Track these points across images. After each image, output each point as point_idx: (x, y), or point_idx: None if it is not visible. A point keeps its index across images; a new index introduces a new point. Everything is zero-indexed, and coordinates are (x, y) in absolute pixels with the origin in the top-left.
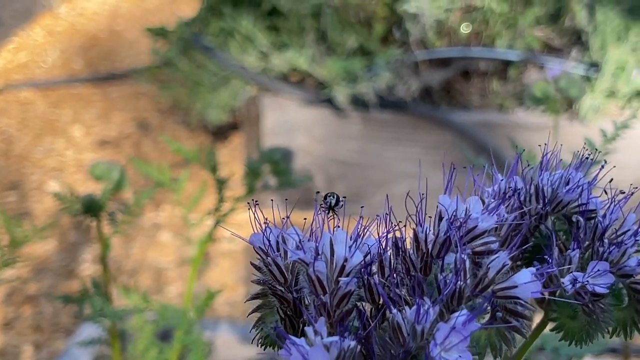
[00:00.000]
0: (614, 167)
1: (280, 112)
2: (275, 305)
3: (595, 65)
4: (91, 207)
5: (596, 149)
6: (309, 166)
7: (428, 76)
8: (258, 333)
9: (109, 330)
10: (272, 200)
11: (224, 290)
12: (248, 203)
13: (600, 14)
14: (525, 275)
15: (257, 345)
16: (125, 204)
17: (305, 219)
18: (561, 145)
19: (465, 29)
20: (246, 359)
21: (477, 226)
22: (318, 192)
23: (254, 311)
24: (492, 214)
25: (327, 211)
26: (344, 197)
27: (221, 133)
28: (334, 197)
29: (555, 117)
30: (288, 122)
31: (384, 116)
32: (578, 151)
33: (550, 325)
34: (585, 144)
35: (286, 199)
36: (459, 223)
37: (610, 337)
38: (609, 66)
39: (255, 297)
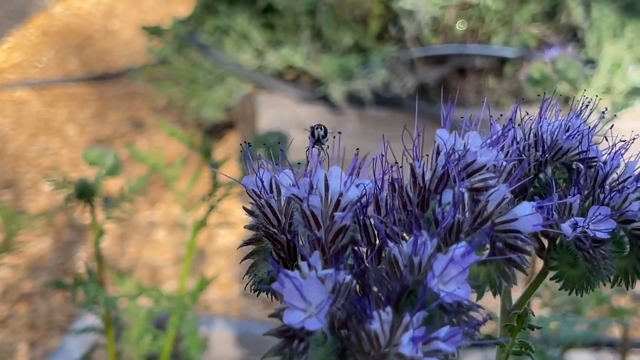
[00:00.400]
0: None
1: (276, 110)
2: (269, 249)
3: (591, 62)
4: (84, 192)
5: (596, 95)
6: (304, 164)
7: (424, 73)
8: (251, 279)
9: (104, 317)
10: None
11: (219, 289)
12: (241, 145)
13: (596, 10)
14: (525, 208)
15: (250, 291)
16: (121, 192)
17: (299, 163)
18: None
19: (461, 26)
20: (241, 356)
21: (475, 160)
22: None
23: (247, 257)
24: (491, 149)
25: (315, 144)
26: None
27: (216, 132)
28: (321, 129)
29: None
30: (283, 120)
31: (379, 113)
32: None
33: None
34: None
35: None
36: (457, 156)
37: (612, 286)
38: (605, 63)
39: (248, 242)
